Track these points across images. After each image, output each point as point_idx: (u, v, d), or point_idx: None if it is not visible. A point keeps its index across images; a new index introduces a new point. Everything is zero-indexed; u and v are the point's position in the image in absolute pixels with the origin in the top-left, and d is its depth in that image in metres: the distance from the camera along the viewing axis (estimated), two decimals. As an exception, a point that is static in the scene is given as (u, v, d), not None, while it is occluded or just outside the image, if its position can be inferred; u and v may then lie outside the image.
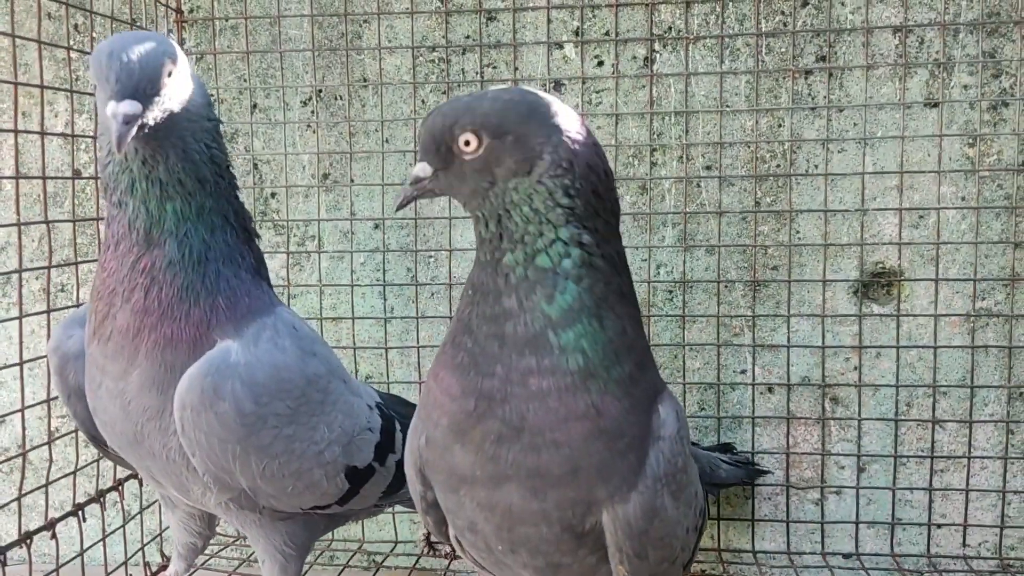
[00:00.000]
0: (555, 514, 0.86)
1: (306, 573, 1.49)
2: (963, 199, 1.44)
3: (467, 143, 0.83)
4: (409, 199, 0.89)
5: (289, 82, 1.58)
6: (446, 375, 0.88)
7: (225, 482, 1.01)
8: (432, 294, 1.58)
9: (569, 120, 0.84)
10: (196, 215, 0.99)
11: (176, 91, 0.95)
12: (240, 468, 1.00)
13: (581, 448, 0.84)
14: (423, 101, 1.56)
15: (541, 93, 0.85)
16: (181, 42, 1.58)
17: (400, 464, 1.12)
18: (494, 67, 1.54)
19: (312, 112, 1.58)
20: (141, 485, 1.52)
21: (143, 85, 0.90)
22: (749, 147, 1.49)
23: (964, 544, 1.48)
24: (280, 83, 1.58)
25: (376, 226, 1.58)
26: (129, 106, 0.88)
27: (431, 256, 1.58)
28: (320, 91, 1.58)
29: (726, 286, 1.51)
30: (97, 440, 1.12)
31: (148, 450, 1.02)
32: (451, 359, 0.88)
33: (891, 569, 1.46)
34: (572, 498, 0.86)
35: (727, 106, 1.49)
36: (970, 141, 1.44)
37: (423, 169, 0.87)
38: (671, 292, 1.53)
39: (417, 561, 1.55)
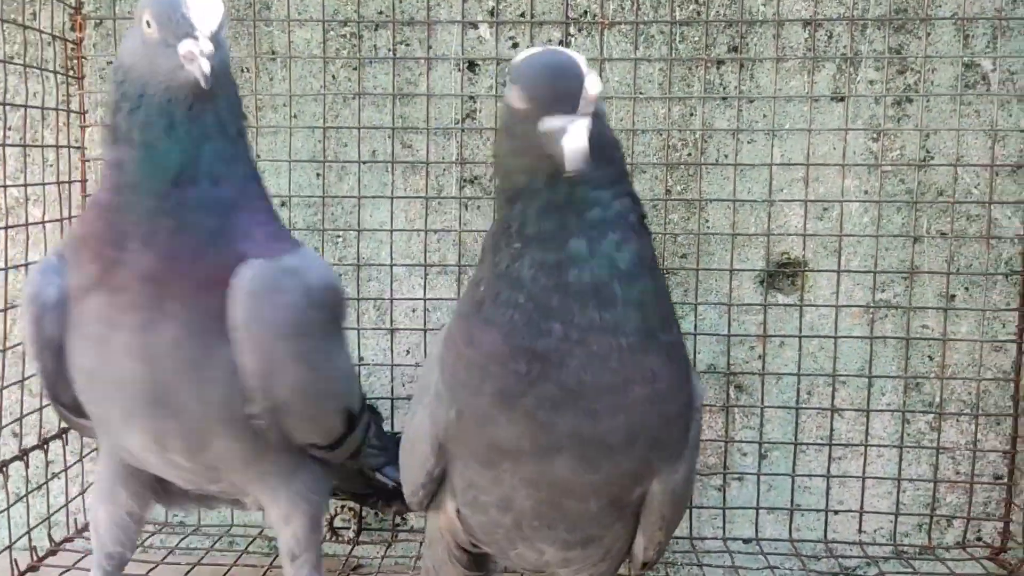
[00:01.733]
0: (605, 488, 0.83)
1: (201, 559, 1.45)
2: (866, 192, 1.47)
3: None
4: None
5: (195, 52, 1.52)
6: (488, 335, 0.81)
7: (264, 393, 0.96)
8: (340, 275, 1.55)
9: None
10: (232, 159, 0.97)
11: (226, 38, 0.97)
12: (282, 373, 0.97)
13: (639, 415, 0.81)
14: (333, 77, 1.52)
15: None
16: (80, 5, 1.52)
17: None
18: (407, 44, 1.51)
19: (218, 84, 1.53)
20: (47, 455, 1.44)
21: (214, 28, 0.91)
22: (661, 135, 1.49)
23: (860, 530, 1.51)
24: (185, 53, 1.52)
25: (282, 204, 1.53)
26: (207, 45, 0.89)
27: (339, 236, 1.54)
28: (227, 63, 1.52)
29: (636, 273, 1.51)
30: (60, 401, 1.04)
31: (173, 408, 0.96)
32: (492, 317, 0.81)
33: (789, 554, 1.49)
34: (625, 470, 0.83)
35: (640, 93, 1.49)
36: (874, 136, 1.46)
37: (583, 119, 0.79)
38: (581, 278, 1.52)
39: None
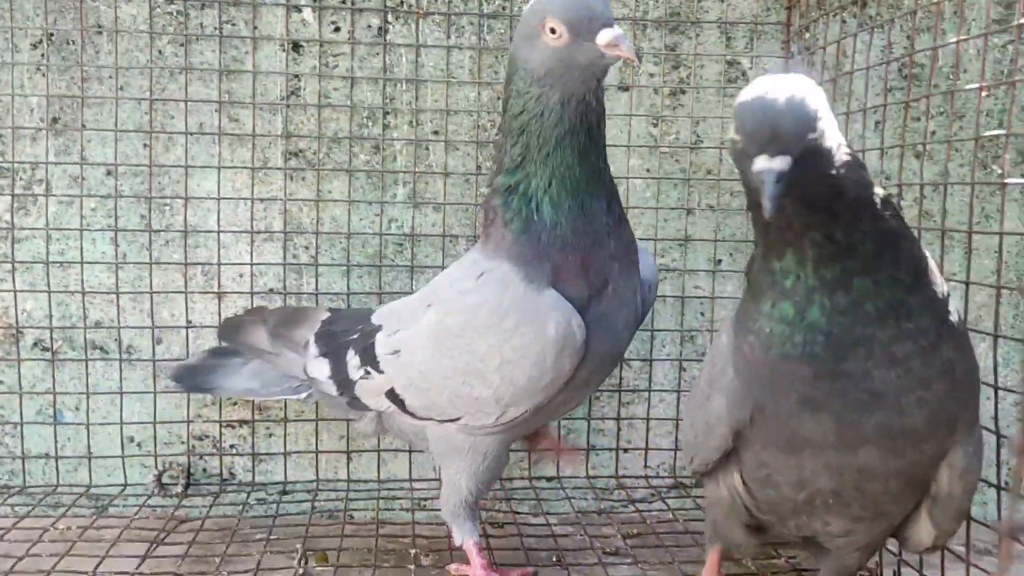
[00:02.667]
0: (908, 470, 0.91)
1: (23, 518, 1.48)
2: (648, 171, 1.69)
3: (813, 130, 0.80)
4: (779, 201, 0.79)
5: (19, 23, 1.55)
6: (791, 365, 0.89)
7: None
8: (167, 242, 1.62)
9: None
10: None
11: None
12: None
13: (941, 404, 0.88)
14: (160, 52, 1.59)
15: None
16: None
17: None
18: (233, 24, 1.60)
19: (42, 55, 1.57)
20: None
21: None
22: (472, 116, 1.65)
23: (645, 466, 1.73)
24: (8, 24, 1.55)
25: (108, 172, 1.59)
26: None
27: (166, 204, 1.61)
28: (51, 35, 1.56)
29: (451, 240, 1.67)
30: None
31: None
32: (791, 353, 0.89)
33: (585, 488, 1.68)
34: (928, 452, 0.91)
35: (453, 78, 1.65)
36: (654, 122, 1.68)
37: (780, 161, 0.78)
38: (401, 245, 1.66)
39: (145, 502, 1.58)
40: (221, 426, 1.65)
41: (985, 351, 1.56)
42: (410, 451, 1.67)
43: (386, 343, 1.27)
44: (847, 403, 0.87)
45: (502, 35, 1.64)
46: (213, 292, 1.63)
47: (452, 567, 1.33)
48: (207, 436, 1.65)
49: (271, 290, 1.65)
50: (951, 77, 1.62)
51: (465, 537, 1.25)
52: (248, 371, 1.46)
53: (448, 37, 1.64)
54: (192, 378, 1.49)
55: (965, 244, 1.59)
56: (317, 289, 1.65)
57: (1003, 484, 1.14)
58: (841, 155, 0.84)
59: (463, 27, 1.64)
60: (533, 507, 1.64)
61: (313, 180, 1.64)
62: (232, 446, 1.66)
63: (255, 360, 1.46)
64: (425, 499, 1.64)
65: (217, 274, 1.63)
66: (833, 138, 0.84)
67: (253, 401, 1.64)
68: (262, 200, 1.63)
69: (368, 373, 1.27)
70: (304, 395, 1.42)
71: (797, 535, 1.07)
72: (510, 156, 1.17)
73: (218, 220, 1.62)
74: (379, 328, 1.30)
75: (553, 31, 1.07)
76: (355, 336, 1.32)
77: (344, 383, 1.31)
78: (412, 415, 1.25)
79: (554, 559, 1.41)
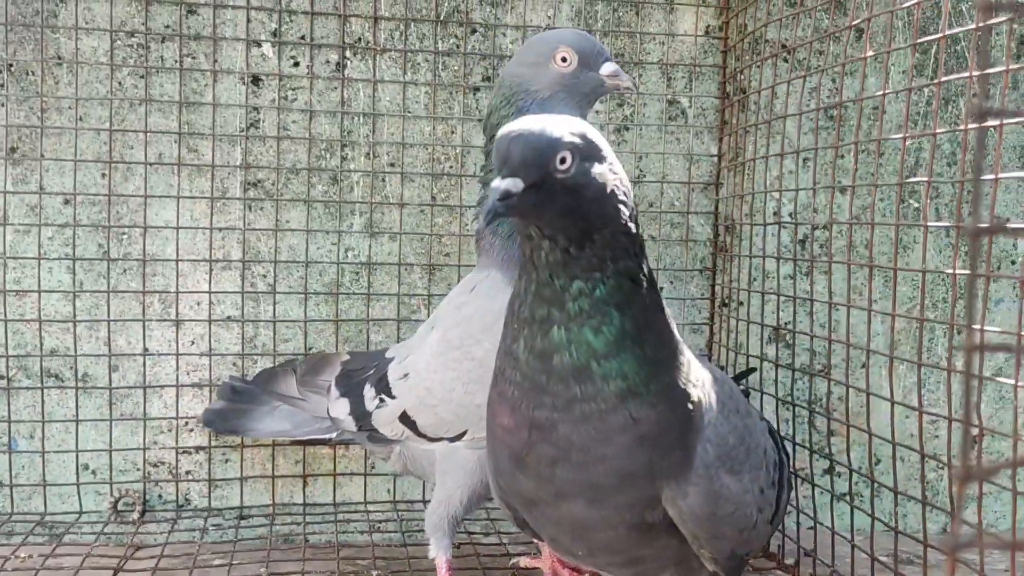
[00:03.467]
0: (616, 517, 0.94)
1: (-19, 546, 1.47)
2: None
3: (563, 161, 0.85)
4: (501, 216, 0.86)
5: (-26, 52, 1.56)
6: (500, 410, 0.95)
7: None
8: (124, 270, 1.63)
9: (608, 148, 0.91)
10: None
11: None
12: None
13: (625, 457, 0.90)
14: (120, 83, 1.61)
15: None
16: None
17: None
18: (193, 57, 1.63)
19: (1, 85, 1.58)
20: None
21: None
22: (427, 149, 1.72)
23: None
24: (-37, 52, 1.56)
25: (66, 201, 1.60)
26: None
27: (124, 233, 1.63)
28: (11, 65, 1.57)
29: (406, 268, 1.72)
30: None
31: None
32: (502, 393, 0.95)
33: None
34: (627, 501, 0.93)
35: (409, 112, 1.71)
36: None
37: (515, 184, 0.85)
38: (358, 273, 1.71)
39: (102, 529, 1.59)
40: (177, 452, 1.66)
41: (904, 373, 1.69)
42: (365, 474, 1.71)
43: (396, 369, 1.35)
44: (541, 458, 0.92)
45: (456, 72, 1.71)
46: (170, 320, 1.65)
47: (416, 587, 1.38)
48: (163, 463, 1.67)
49: (229, 317, 1.67)
50: (871, 118, 1.74)
51: (440, 552, 1.31)
52: (280, 414, 1.51)
53: (404, 73, 1.70)
54: (224, 422, 1.54)
55: (886, 274, 1.71)
56: (275, 316, 1.68)
57: (923, 498, 1.24)
58: (595, 191, 0.87)
59: (419, 64, 1.71)
60: (485, 527, 1.70)
61: (272, 210, 1.68)
62: (188, 472, 1.67)
63: (284, 405, 1.51)
64: (381, 521, 1.68)
65: (175, 302, 1.65)
66: (593, 176, 0.87)
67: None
68: (220, 229, 1.66)
69: (382, 401, 1.35)
70: (335, 434, 1.46)
71: None
72: (486, 174, 1.28)
73: (176, 249, 1.64)
74: (392, 359, 1.38)
75: (564, 60, 1.25)
76: (371, 372, 1.40)
77: (362, 416, 1.37)
78: (424, 437, 1.32)
79: (511, 573, 1.47)
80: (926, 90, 1.77)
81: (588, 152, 0.87)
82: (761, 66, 1.71)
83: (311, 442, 1.61)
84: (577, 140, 0.87)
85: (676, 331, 0.98)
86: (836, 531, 1.41)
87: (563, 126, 0.87)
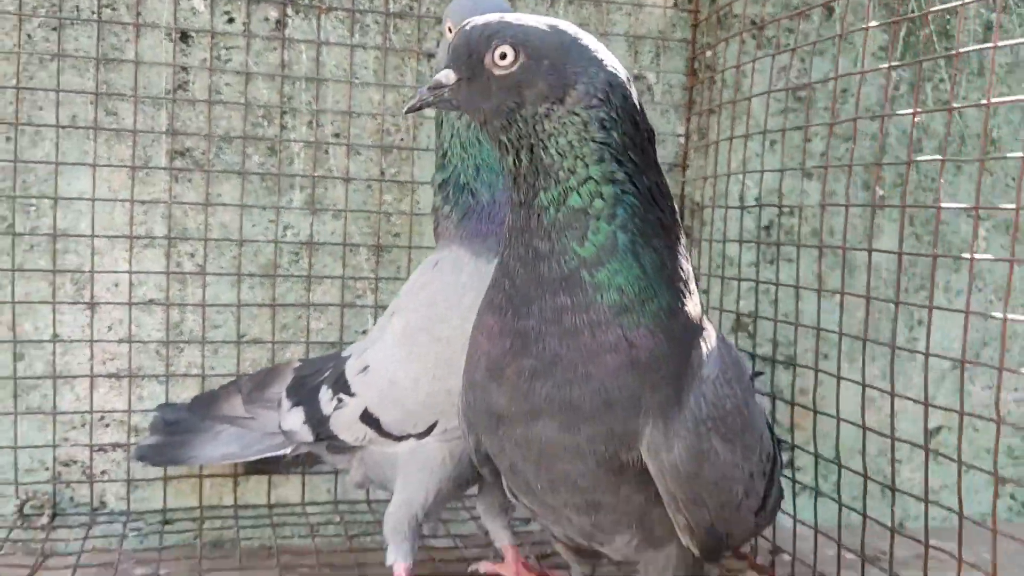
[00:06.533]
0: (588, 447, 0.86)
1: None
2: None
3: (503, 56, 0.82)
4: (425, 103, 0.87)
5: None
6: (487, 317, 0.89)
7: None
8: (31, 247, 1.45)
9: (606, 54, 0.85)
10: None
11: None
12: None
13: (612, 380, 0.83)
14: (29, 36, 1.42)
15: (580, 30, 0.86)
16: None
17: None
18: (113, 8, 1.46)
19: None
20: None
21: None
22: (376, 119, 1.58)
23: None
24: None
25: (-36, 167, 1.41)
26: None
27: (32, 204, 1.45)
28: None
29: (351, 249, 1.58)
30: None
31: None
32: (491, 301, 0.89)
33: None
34: (604, 431, 0.85)
35: (356, 78, 1.56)
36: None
37: (447, 76, 0.85)
38: (297, 254, 1.56)
39: (6, 538, 1.41)
40: (92, 450, 1.49)
41: (879, 357, 1.64)
42: (303, 473, 1.58)
43: (355, 365, 1.24)
44: (521, 370, 0.86)
45: (408, 36, 1.58)
46: (84, 303, 1.48)
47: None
48: (75, 461, 1.49)
49: (151, 301, 1.51)
50: (842, 100, 1.68)
51: (398, 559, 1.19)
52: (226, 437, 1.38)
53: (352, 35, 1.55)
54: (159, 455, 1.41)
55: (857, 260, 1.65)
56: (204, 300, 1.52)
57: (892, 484, 1.19)
58: (541, 93, 0.82)
59: (368, 25, 1.56)
60: (433, 528, 1.57)
61: (201, 182, 1.51)
62: (104, 472, 1.51)
63: (230, 427, 1.38)
64: (321, 523, 1.55)
65: (90, 282, 1.47)
66: (546, 76, 0.82)
67: (128, 422, 1.50)
68: (143, 203, 1.49)
69: (340, 401, 1.23)
70: (289, 450, 1.34)
71: (582, 541, 1.01)
72: (440, 153, 1.22)
73: (92, 223, 1.46)
74: (349, 357, 1.27)
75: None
76: (327, 374, 1.27)
77: (319, 422, 1.25)
78: (389, 436, 1.20)
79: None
80: (894, 74, 1.71)
81: (545, 51, 0.82)
82: (729, 43, 1.63)
83: (264, 465, 1.50)
84: (530, 37, 0.82)
85: (688, 269, 0.91)
86: (799, 519, 1.37)
87: (521, 20, 0.84)
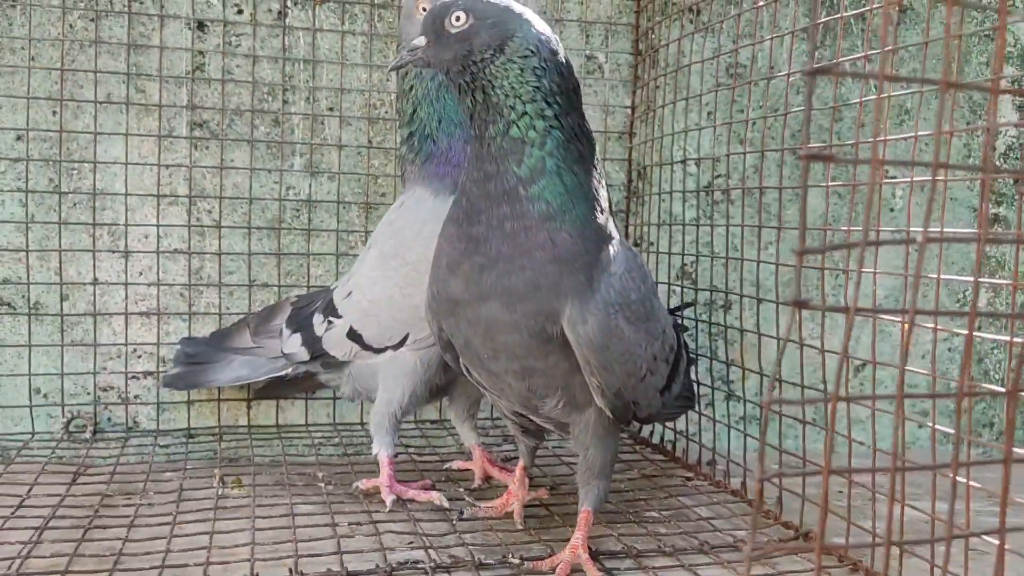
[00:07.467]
0: (523, 322, 1.11)
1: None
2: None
3: (457, 18, 1.10)
4: (403, 63, 1.18)
5: (-77, -8, 1.62)
6: (449, 227, 1.16)
7: None
8: (75, 204, 1.72)
9: (539, 23, 1.13)
10: None
11: None
12: None
13: (540, 270, 1.09)
14: (71, 26, 1.69)
15: (523, 7, 1.14)
16: None
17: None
18: (141, 2, 1.73)
19: (-50, 23, 1.64)
20: None
21: None
22: (364, 95, 1.85)
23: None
24: (-87, -9, 1.62)
25: (19, 137, 1.68)
26: None
27: (75, 168, 1.71)
28: (-39, 4, 1.64)
29: (344, 206, 1.85)
30: None
31: None
32: (452, 215, 1.16)
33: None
34: (535, 309, 1.10)
35: (347, 60, 1.83)
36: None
37: (420, 40, 1.14)
38: (298, 210, 1.83)
39: (53, 451, 1.66)
40: (127, 377, 1.75)
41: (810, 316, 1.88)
42: (306, 399, 1.83)
43: (341, 291, 1.51)
44: (473, 265, 1.11)
45: (391, 23, 1.84)
46: (120, 251, 1.74)
47: (361, 483, 1.49)
48: (112, 387, 1.76)
49: (175, 250, 1.77)
50: (768, 72, 1.94)
51: (382, 448, 1.45)
52: (238, 364, 1.65)
53: (343, 23, 1.82)
54: (182, 381, 1.67)
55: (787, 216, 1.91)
56: (220, 250, 1.79)
57: (803, 419, 1.40)
58: (485, 41, 1.10)
59: (356, 15, 1.83)
60: (421, 446, 1.83)
61: (216, 149, 1.78)
62: (136, 396, 1.77)
63: (240, 356, 1.64)
64: (323, 442, 1.80)
65: (124, 234, 1.74)
66: (489, 29, 1.10)
67: (157, 353, 1.76)
68: (167, 166, 1.76)
69: (330, 323, 1.50)
70: (290, 370, 1.59)
71: (518, 403, 1.23)
72: (404, 112, 1.47)
73: (125, 184, 1.73)
74: (336, 288, 1.53)
75: (425, 10, 1.36)
76: (319, 304, 1.55)
77: (314, 342, 1.52)
78: (371, 349, 1.46)
79: (444, 475, 1.61)
80: (817, 52, 1.97)
81: (489, 14, 1.11)
82: (669, 26, 1.89)
83: (271, 390, 1.74)
84: (477, 4, 1.11)
85: (603, 193, 1.16)
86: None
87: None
